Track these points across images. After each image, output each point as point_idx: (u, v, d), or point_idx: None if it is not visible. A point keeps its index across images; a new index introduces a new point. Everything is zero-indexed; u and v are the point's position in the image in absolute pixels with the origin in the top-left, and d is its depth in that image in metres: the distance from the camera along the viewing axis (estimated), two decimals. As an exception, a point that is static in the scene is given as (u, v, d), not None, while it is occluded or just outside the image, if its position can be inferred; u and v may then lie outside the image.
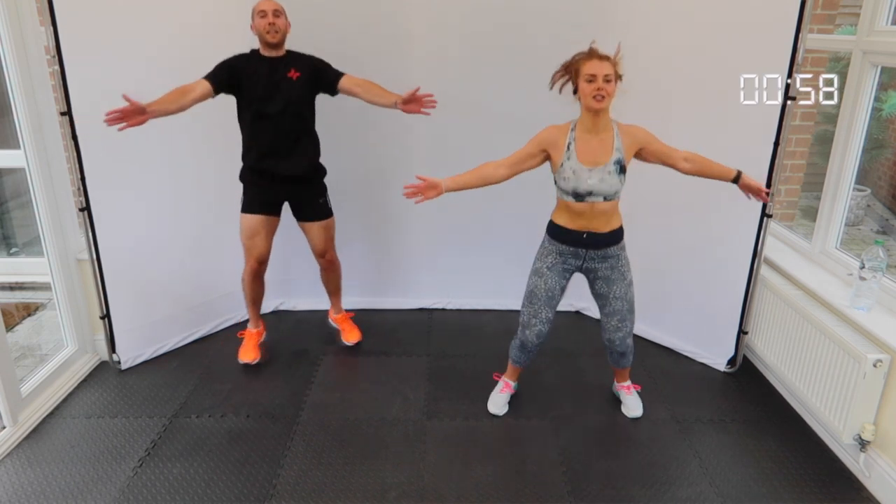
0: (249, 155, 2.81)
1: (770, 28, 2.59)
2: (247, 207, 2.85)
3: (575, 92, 2.31)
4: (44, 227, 2.83)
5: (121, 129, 2.38)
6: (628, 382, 2.77)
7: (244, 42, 2.93)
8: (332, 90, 2.79)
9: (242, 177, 2.86)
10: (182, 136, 3.00)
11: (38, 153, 2.72)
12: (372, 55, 3.14)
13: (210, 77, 2.65)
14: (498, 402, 2.75)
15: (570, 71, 2.29)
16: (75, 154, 2.67)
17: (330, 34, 3.08)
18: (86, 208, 2.76)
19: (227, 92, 2.72)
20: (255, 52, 2.74)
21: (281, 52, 2.74)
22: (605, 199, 2.33)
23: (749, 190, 2.42)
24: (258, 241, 2.84)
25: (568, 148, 2.31)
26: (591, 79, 2.22)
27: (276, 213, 2.89)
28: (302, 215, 2.94)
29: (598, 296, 2.53)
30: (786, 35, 2.53)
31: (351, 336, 3.21)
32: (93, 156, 2.71)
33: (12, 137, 2.73)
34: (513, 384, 2.78)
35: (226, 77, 2.67)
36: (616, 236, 2.42)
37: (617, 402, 2.80)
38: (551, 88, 2.34)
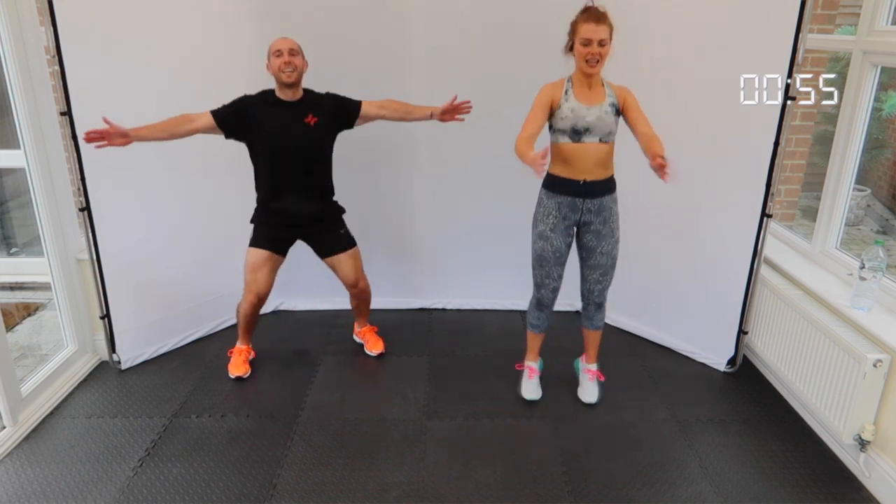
0: (263, 197, 2.79)
1: (770, 28, 2.59)
2: (255, 242, 2.81)
3: (570, 49, 2.37)
4: (44, 227, 2.83)
5: (98, 147, 2.40)
6: (596, 367, 2.80)
7: (244, 41, 2.93)
8: (352, 123, 2.78)
9: (255, 217, 2.83)
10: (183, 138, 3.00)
11: (38, 153, 2.72)
12: (371, 56, 3.15)
13: (217, 116, 2.60)
14: (531, 388, 2.77)
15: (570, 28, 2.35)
16: (75, 154, 2.67)
17: (330, 35, 3.07)
18: (86, 208, 2.76)
19: (238, 139, 2.69)
20: (269, 94, 2.68)
21: (298, 95, 2.67)
22: (601, 139, 2.38)
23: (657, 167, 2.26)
24: (260, 276, 2.80)
25: (565, 94, 2.39)
26: (587, 42, 2.28)
27: (283, 252, 2.85)
28: (326, 251, 2.90)
29: (584, 247, 2.57)
30: (786, 35, 2.53)
31: (374, 347, 3.16)
32: (93, 156, 2.70)
33: (12, 137, 2.73)
34: (537, 366, 2.81)
35: (234, 122, 2.63)
36: (611, 184, 2.50)
37: (617, 400, 2.80)
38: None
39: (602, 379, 2.83)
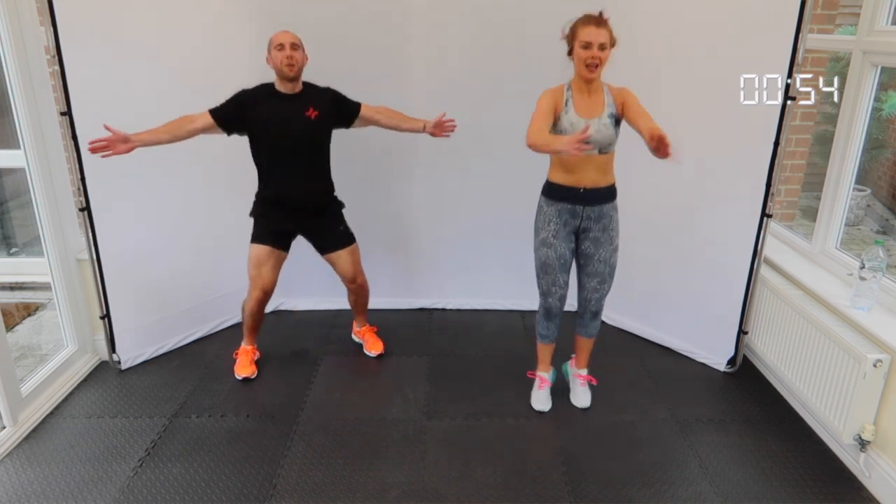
0: (263, 189, 2.79)
1: (770, 28, 2.59)
2: (256, 238, 2.81)
3: (569, 53, 2.35)
4: (44, 227, 2.83)
5: (104, 157, 2.40)
6: (586, 372, 2.79)
7: (244, 41, 2.93)
8: (350, 123, 2.80)
9: (254, 211, 2.83)
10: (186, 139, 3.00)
11: (38, 153, 2.72)
12: (370, 60, 3.15)
13: (215, 113, 2.62)
14: (541, 399, 2.75)
15: (569, 32, 2.34)
16: (75, 154, 2.67)
17: (329, 35, 3.07)
18: (86, 208, 2.76)
19: (238, 133, 2.70)
20: (269, 87, 2.69)
21: (298, 88, 2.68)
22: (601, 151, 2.38)
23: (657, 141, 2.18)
24: (264, 271, 2.80)
25: (566, 104, 2.37)
26: (587, 45, 2.26)
27: (285, 246, 2.85)
28: (326, 247, 2.91)
29: (582, 254, 2.56)
30: (786, 35, 2.53)
31: (374, 347, 3.16)
32: (93, 156, 2.70)
33: (12, 137, 2.73)
34: (548, 376, 2.79)
35: (234, 117, 2.63)
36: (611, 192, 2.49)
37: (617, 401, 2.80)
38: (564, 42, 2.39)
39: (594, 383, 2.82)
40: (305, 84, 2.72)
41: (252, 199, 2.85)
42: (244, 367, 2.97)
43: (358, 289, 3.03)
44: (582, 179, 2.42)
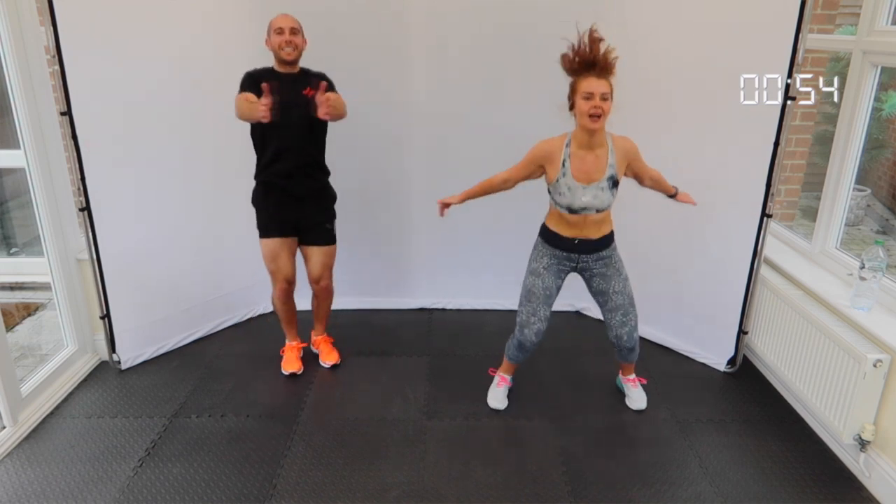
0: (262, 171, 2.77)
1: (770, 28, 2.59)
2: (264, 232, 2.81)
3: (571, 108, 2.32)
4: (44, 227, 2.83)
5: None
6: (633, 376, 2.80)
7: (245, 40, 2.93)
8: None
9: (255, 198, 2.82)
10: (182, 136, 3.00)
11: (38, 153, 2.72)
12: (371, 56, 3.15)
13: (248, 91, 2.56)
14: (498, 397, 2.76)
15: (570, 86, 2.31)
16: (75, 154, 2.67)
17: (328, 35, 3.07)
18: (86, 208, 2.76)
19: None
20: (268, 69, 2.69)
21: (295, 69, 2.69)
22: (598, 211, 2.39)
23: (684, 200, 2.59)
24: (282, 262, 2.81)
25: (563, 165, 2.34)
26: (588, 96, 2.22)
27: (293, 233, 2.84)
28: (306, 239, 2.89)
29: (597, 293, 2.55)
30: (786, 35, 2.53)
31: (330, 357, 3.10)
32: (93, 156, 2.71)
33: (12, 137, 2.73)
34: (509, 378, 2.80)
35: (255, 90, 2.59)
36: (607, 241, 2.49)
37: (617, 400, 2.80)
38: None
39: (644, 382, 2.83)
40: (302, 68, 2.73)
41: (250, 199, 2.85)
42: (290, 362, 3.00)
43: (321, 291, 2.99)
44: (578, 233, 2.43)
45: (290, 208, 2.80)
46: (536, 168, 2.41)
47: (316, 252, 2.89)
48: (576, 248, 2.45)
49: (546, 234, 2.51)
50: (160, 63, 2.86)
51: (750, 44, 2.66)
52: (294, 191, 2.76)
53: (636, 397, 2.77)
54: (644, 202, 3.00)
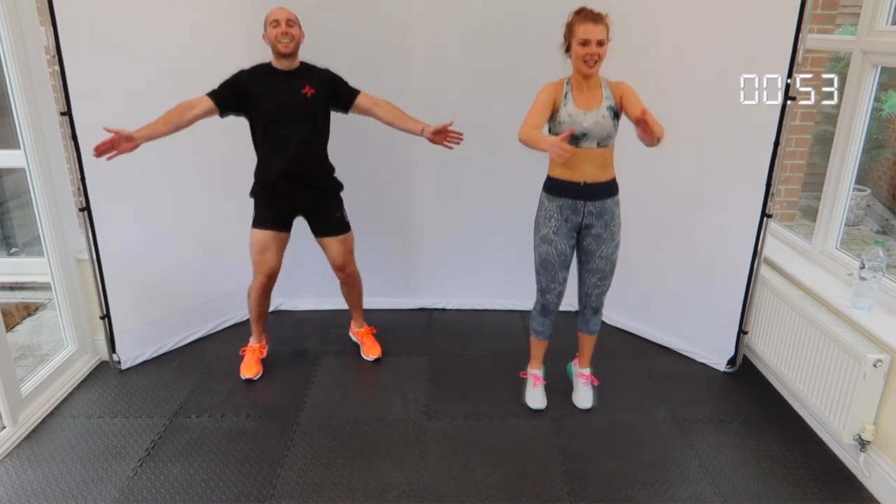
0: (262, 171, 2.77)
1: (770, 28, 2.59)
2: (257, 223, 2.80)
3: (567, 50, 2.36)
4: (44, 227, 2.83)
5: (110, 158, 2.37)
6: (589, 371, 2.79)
7: (244, 41, 2.93)
8: (346, 109, 2.77)
9: (254, 192, 2.82)
10: (182, 136, 2.99)
11: (38, 153, 2.72)
12: (370, 54, 3.15)
13: (214, 95, 2.59)
14: (536, 397, 2.75)
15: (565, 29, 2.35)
16: (75, 154, 2.67)
17: (327, 32, 3.07)
18: (86, 208, 2.76)
19: (236, 113, 2.67)
20: (264, 65, 2.68)
21: (294, 64, 2.67)
22: (599, 144, 2.38)
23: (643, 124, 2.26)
24: (268, 256, 2.79)
25: (564, 97, 2.38)
26: (585, 42, 2.27)
27: (286, 228, 2.83)
28: (320, 231, 2.89)
29: (583, 251, 2.56)
30: (786, 35, 2.53)
31: (371, 351, 3.13)
32: (93, 155, 2.71)
33: (12, 137, 2.73)
34: (541, 374, 2.79)
35: (232, 98, 2.61)
36: (612, 187, 2.49)
37: (617, 400, 2.80)
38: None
39: (596, 383, 2.82)
40: (303, 63, 2.71)
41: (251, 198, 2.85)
42: (249, 366, 2.97)
43: (347, 278, 3.00)
44: (582, 174, 2.42)
45: (290, 204, 2.79)
46: (551, 103, 2.38)
47: (333, 242, 2.89)
48: (582, 192, 2.43)
49: (550, 185, 2.50)
50: (160, 63, 2.86)
51: (750, 44, 2.66)
52: (296, 188, 2.76)
53: (583, 396, 2.75)
54: (644, 202, 3.01)
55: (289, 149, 2.69)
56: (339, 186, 2.91)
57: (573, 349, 2.87)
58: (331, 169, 2.86)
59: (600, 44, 2.27)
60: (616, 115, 2.40)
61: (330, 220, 2.88)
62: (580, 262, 2.60)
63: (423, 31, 3.16)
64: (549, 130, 2.44)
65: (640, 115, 2.22)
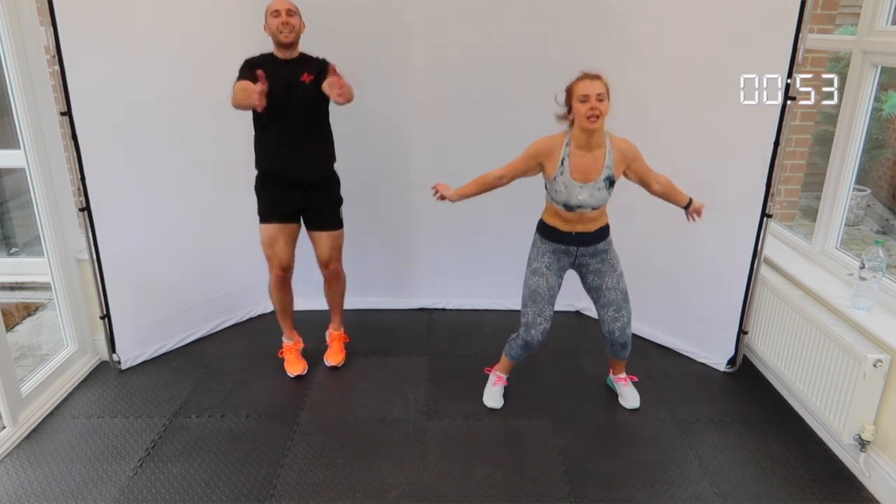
0: (263, 159, 2.76)
1: (770, 28, 2.59)
2: (264, 218, 2.80)
3: (568, 112, 2.35)
4: (44, 227, 2.83)
5: None
6: (624, 374, 2.80)
7: (244, 41, 2.93)
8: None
9: (257, 185, 2.81)
10: (182, 135, 3.00)
11: (38, 153, 2.72)
12: (370, 52, 3.15)
13: (245, 79, 2.54)
14: (495, 396, 2.77)
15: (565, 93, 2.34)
16: (75, 154, 2.67)
17: (326, 29, 3.07)
18: (86, 208, 2.76)
19: None
20: (268, 55, 2.68)
21: (294, 54, 2.68)
22: (593, 209, 2.41)
23: (694, 212, 2.54)
24: (278, 248, 2.79)
25: (562, 163, 2.36)
26: (584, 99, 2.25)
27: (294, 220, 2.83)
28: (312, 224, 2.88)
29: (591, 289, 2.57)
30: (786, 35, 2.53)
31: (333, 358, 3.09)
32: (93, 156, 2.71)
33: (12, 137, 2.73)
34: (506, 377, 2.81)
35: (252, 77, 2.58)
36: (603, 233, 2.51)
37: (616, 400, 2.80)
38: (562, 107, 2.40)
39: (635, 379, 2.83)
40: (301, 53, 2.72)
41: (251, 198, 2.83)
42: (293, 364, 2.98)
43: (330, 275, 2.98)
44: (573, 227, 2.46)
45: (293, 195, 2.78)
46: (535, 165, 2.42)
47: (323, 237, 2.88)
48: (573, 240, 2.47)
49: (543, 230, 2.53)
50: (160, 63, 2.86)
51: (750, 44, 2.66)
52: (297, 177, 2.75)
53: (629, 395, 2.77)
54: (643, 202, 3.00)
55: (291, 140, 2.69)
56: (337, 180, 2.89)
57: (574, 349, 2.87)
58: (331, 159, 2.84)
59: (600, 99, 2.24)
60: (612, 184, 2.40)
61: (326, 214, 2.87)
62: (594, 302, 2.61)
63: (423, 29, 3.15)
64: (546, 187, 2.46)
65: (691, 211, 2.50)
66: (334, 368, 3.06)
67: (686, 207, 2.53)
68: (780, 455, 2.48)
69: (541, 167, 2.42)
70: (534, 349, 2.61)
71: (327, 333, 3.21)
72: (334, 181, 2.88)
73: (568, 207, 2.39)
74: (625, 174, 2.45)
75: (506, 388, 2.82)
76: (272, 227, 2.78)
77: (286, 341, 3.05)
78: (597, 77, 2.28)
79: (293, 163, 2.72)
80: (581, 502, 2.24)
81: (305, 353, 3.15)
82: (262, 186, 2.80)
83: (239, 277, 3.25)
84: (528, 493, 2.28)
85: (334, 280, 3.02)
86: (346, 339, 3.18)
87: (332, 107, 2.73)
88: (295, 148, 2.70)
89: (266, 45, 2.68)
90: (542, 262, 2.52)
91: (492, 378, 2.82)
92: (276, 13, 2.59)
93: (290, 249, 2.83)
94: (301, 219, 2.85)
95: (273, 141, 2.71)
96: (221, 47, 3.02)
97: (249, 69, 2.56)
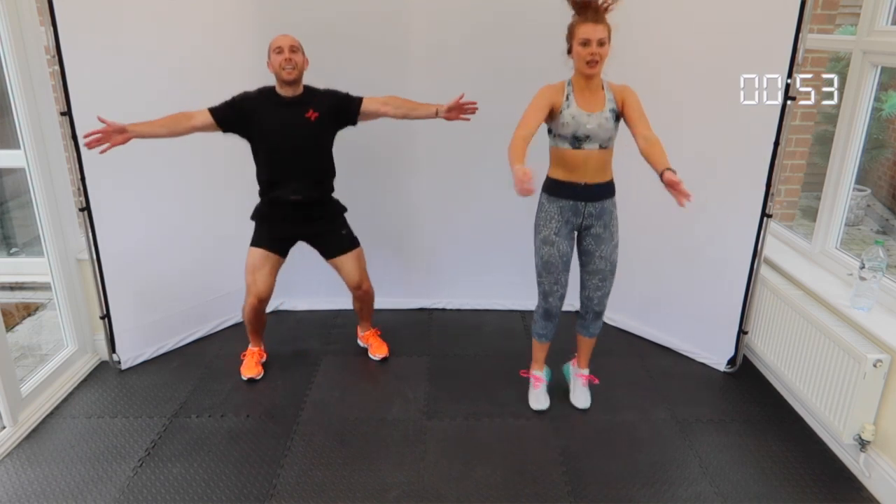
0: (264, 192, 2.77)
1: (770, 28, 2.59)
2: (255, 241, 2.80)
3: (568, 52, 2.35)
4: (44, 227, 2.83)
5: (102, 152, 2.38)
6: (587, 371, 2.79)
7: (244, 41, 2.94)
8: (355, 120, 2.75)
9: (255, 214, 2.82)
10: (183, 136, 2.99)
11: (38, 153, 2.73)
12: (370, 54, 3.15)
13: (215, 112, 2.60)
14: (539, 398, 2.75)
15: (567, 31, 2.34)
16: (75, 154, 2.67)
17: (326, 29, 3.07)
18: (86, 208, 2.76)
19: (236, 133, 2.68)
20: (269, 91, 2.68)
21: (298, 91, 2.66)
22: (601, 146, 2.38)
23: (671, 187, 2.18)
24: (259, 277, 2.78)
25: (567, 99, 2.37)
26: (586, 43, 2.26)
27: (283, 252, 2.83)
28: (330, 252, 2.89)
29: (583, 252, 2.56)
30: (786, 35, 2.53)
31: (378, 351, 3.14)
32: (93, 156, 2.70)
33: (12, 137, 2.73)
34: (543, 374, 2.79)
35: (233, 119, 2.62)
36: (611, 188, 2.50)
37: (617, 400, 2.80)
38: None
39: (596, 382, 2.82)
40: (305, 87, 2.71)
41: (251, 198, 2.84)
42: (250, 367, 2.97)
43: (363, 295, 3.00)
44: (583, 175, 2.42)
45: (291, 228, 2.81)
46: (548, 107, 2.36)
47: (346, 260, 2.88)
48: (582, 193, 2.43)
49: (550, 187, 2.49)
50: (160, 62, 2.86)
51: (750, 44, 2.66)
52: (298, 213, 2.77)
53: (581, 395, 2.75)
54: (643, 201, 3.00)
55: (291, 177, 2.70)
56: (342, 210, 2.91)
57: (574, 349, 2.86)
58: (331, 190, 2.85)
59: (601, 43, 2.26)
60: (617, 117, 2.40)
61: (337, 239, 2.88)
62: (581, 265, 2.60)
63: (423, 31, 3.15)
64: (550, 131, 2.44)
65: (667, 184, 2.14)
66: (384, 360, 3.11)
67: (661, 176, 2.26)
68: (780, 455, 2.48)
69: (550, 109, 2.38)
70: (555, 317, 2.62)
71: (359, 338, 3.25)
72: (336, 209, 2.89)
73: (576, 140, 2.36)
74: (623, 117, 2.41)
75: (504, 387, 2.82)
76: (260, 254, 2.78)
77: (252, 347, 3.05)
78: (600, 19, 2.26)
79: (293, 199, 2.73)
80: (581, 502, 2.24)
81: (306, 353, 3.16)
82: (260, 216, 2.82)
83: (239, 277, 3.22)
84: (528, 493, 2.28)
85: (367, 299, 3.04)
86: (379, 332, 3.23)
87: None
88: (295, 185, 2.71)
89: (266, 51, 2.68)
90: (550, 229, 2.48)
91: (531, 381, 2.80)
92: (279, 50, 2.58)
93: (271, 281, 2.82)
94: (288, 253, 2.86)
95: (273, 176, 2.71)
96: (223, 47, 3.03)
97: (237, 110, 2.61)
